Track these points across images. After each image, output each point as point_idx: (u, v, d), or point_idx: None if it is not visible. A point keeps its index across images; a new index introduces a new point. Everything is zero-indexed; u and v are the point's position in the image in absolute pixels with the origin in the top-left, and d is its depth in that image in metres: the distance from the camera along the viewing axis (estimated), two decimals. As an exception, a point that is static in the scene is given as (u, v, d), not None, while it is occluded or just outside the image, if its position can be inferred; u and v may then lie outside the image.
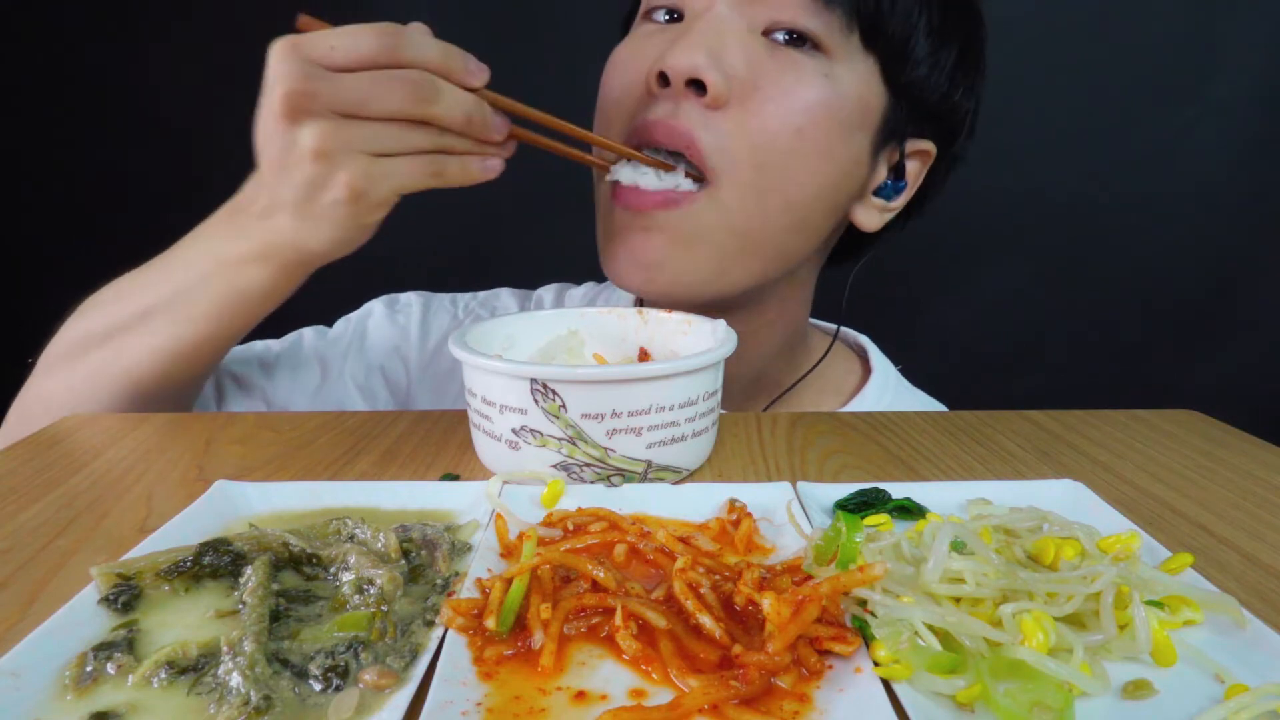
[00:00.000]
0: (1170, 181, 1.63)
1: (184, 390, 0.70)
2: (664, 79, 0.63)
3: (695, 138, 0.62)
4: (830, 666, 0.33)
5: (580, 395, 0.48)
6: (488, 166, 0.56)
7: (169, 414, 0.65)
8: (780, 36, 0.64)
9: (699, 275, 0.67)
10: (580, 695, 0.32)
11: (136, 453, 0.57)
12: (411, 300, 0.90)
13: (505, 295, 0.94)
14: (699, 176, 0.64)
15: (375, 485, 0.49)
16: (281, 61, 0.50)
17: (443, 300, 0.92)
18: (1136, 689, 0.32)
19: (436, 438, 0.60)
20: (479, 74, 0.54)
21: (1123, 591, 0.36)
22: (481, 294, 0.94)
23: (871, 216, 0.74)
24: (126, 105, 1.59)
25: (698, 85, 0.62)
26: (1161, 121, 1.60)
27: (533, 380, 0.48)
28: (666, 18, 0.68)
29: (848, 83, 0.65)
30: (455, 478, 0.52)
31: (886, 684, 0.32)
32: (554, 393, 0.48)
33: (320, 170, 0.52)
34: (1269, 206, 1.65)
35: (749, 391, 0.81)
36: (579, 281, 0.96)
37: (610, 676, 0.33)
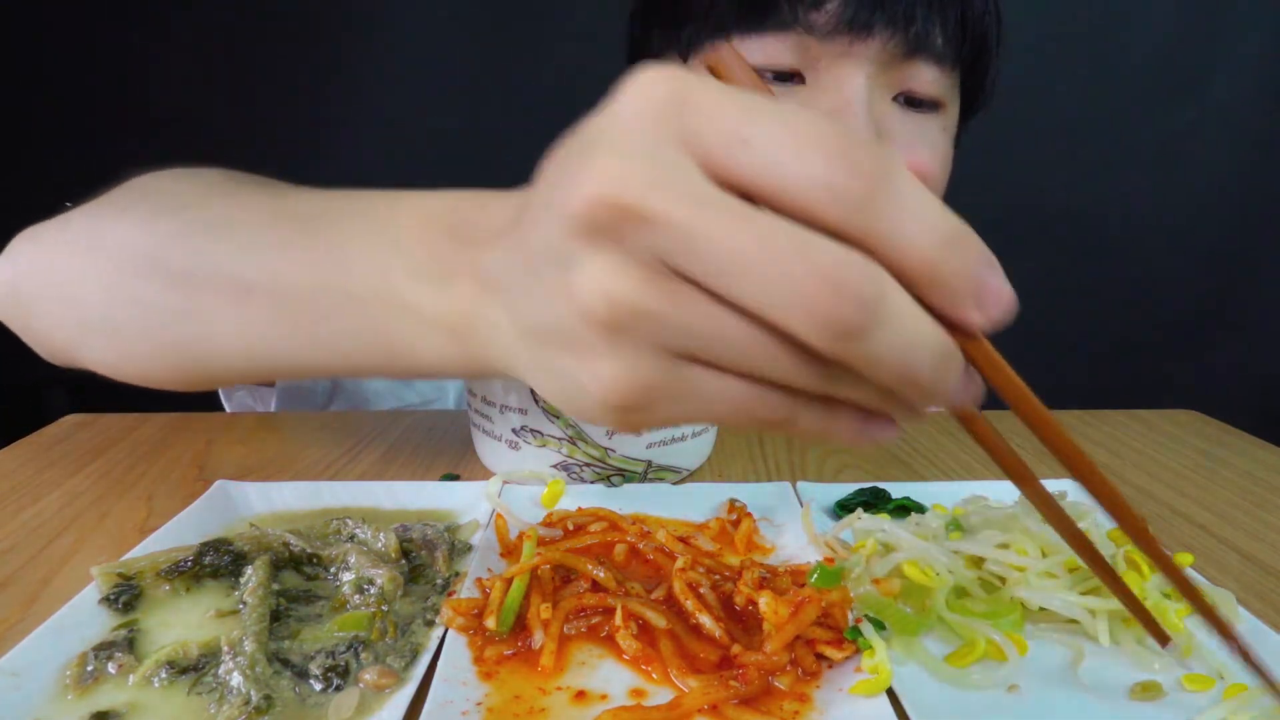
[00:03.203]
0: (1171, 182, 1.63)
1: (242, 381, 0.51)
2: None
3: None
4: (830, 666, 0.33)
5: (580, 395, 0.48)
6: (877, 433, 0.28)
7: (169, 414, 0.65)
8: (907, 99, 0.67)
9: None
10: (580, 695, 0.32)
11: (137, 453, 0.57)
12: None
13: None
14: None
15: (375, 485, 0.49)
16: (639, 134, 0.23)
17: None
18: (1145, 690, 0.33)
19: (436, 438, 0.60)
20: (996, 299, 0.24)
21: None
22: None
23: None
24: (126, 102, 1.59)
25: None
26: (1162, 123, 1.60)
27: (533, 380, 0.48)
28: (774, 77, 0.66)
29: (953, 124, 0.71)
30: (455, 478, 0.52)
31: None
32: (554, 393, 0.48)
33: (591, 338, 0.25)
34: (1270, 207, 1.65)
35: None
36: None
37: (610, 676, 0.33)
